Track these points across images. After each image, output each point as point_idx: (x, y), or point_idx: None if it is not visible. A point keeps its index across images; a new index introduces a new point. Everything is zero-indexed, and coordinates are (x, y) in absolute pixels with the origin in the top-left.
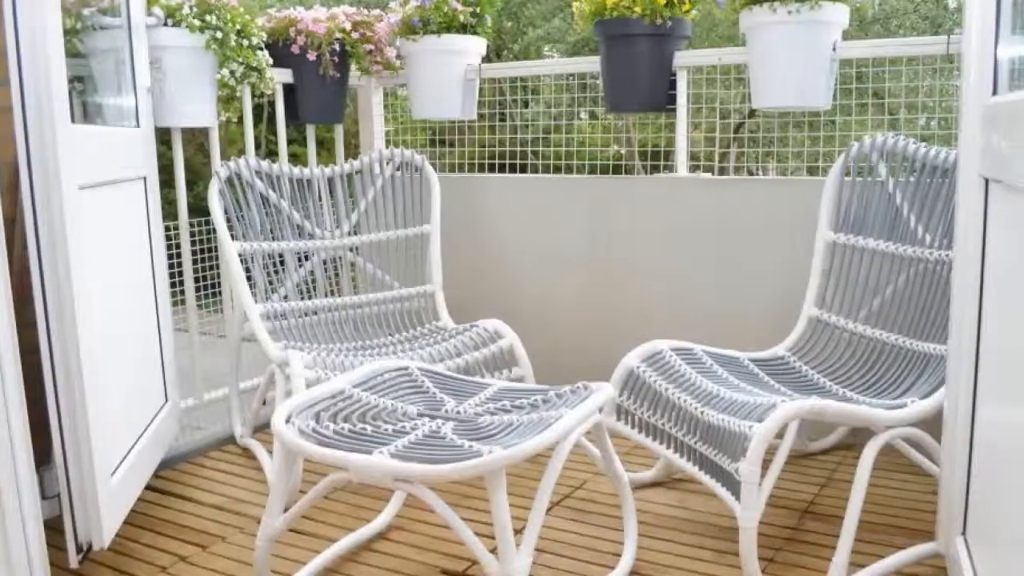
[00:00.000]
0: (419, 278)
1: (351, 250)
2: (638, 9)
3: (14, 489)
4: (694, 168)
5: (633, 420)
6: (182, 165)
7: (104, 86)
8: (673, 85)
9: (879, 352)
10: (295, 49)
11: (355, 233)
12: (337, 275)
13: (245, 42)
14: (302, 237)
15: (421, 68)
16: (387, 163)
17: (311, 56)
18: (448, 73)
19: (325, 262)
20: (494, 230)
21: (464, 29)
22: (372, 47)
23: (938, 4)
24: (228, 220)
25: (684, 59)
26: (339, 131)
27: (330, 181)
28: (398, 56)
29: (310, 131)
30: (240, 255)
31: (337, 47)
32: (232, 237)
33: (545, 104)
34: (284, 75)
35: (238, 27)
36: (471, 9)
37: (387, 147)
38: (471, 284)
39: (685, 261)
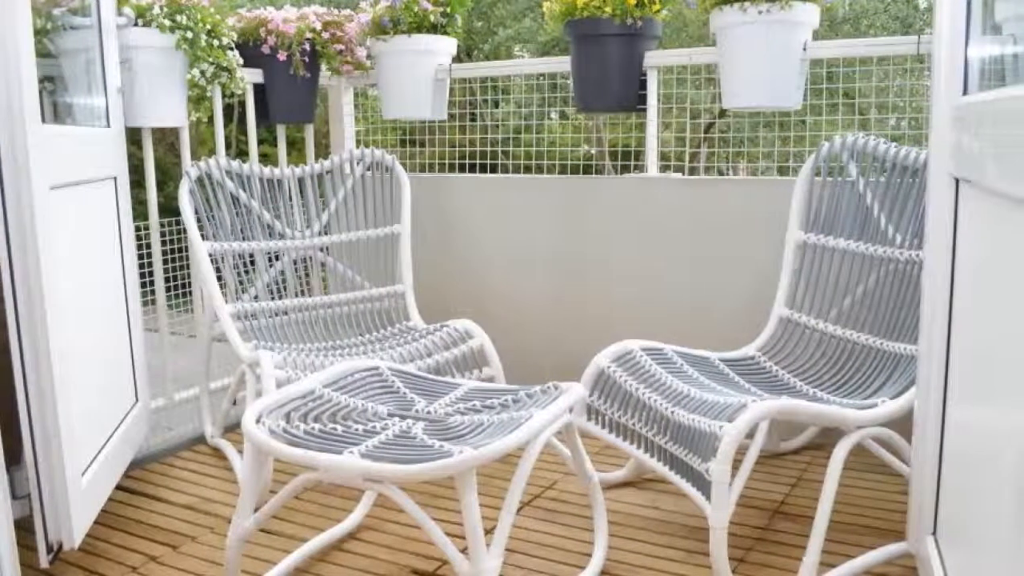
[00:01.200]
0: (389, 278)
1: (321, 250)
2: (608, 9)
3: None
4: (664, 168)
5: (603, 420)
6: (152, 165)
7: (75, 86)
8: (643, 85)
9: (849, 352)
10: (265, 49)
11: (325, 233)
12: (308, 275)
13: (215, 42)
14: (272, 237)
15: (391, 68)
16: (357, 163)
17: (281, 56)
18: (418, 73)
19: (296, 262)
20: (465, 230)
21: (434, 29)
22: (343, 47)
23: (908, 4)
24: (198, 220)
25: (654, 59)
26: (309, 131)
27: (300, 181)
28: (368, 56)
29: (280, 131)
30: (210, 255)
31: (307, 47)
32: (202, 237)
33: (515, 104)
34: (255, 75)
35: (208, 27)
36: (441, 9)
37: (357, 147)
38: (441, 284)
39: (656, 261)
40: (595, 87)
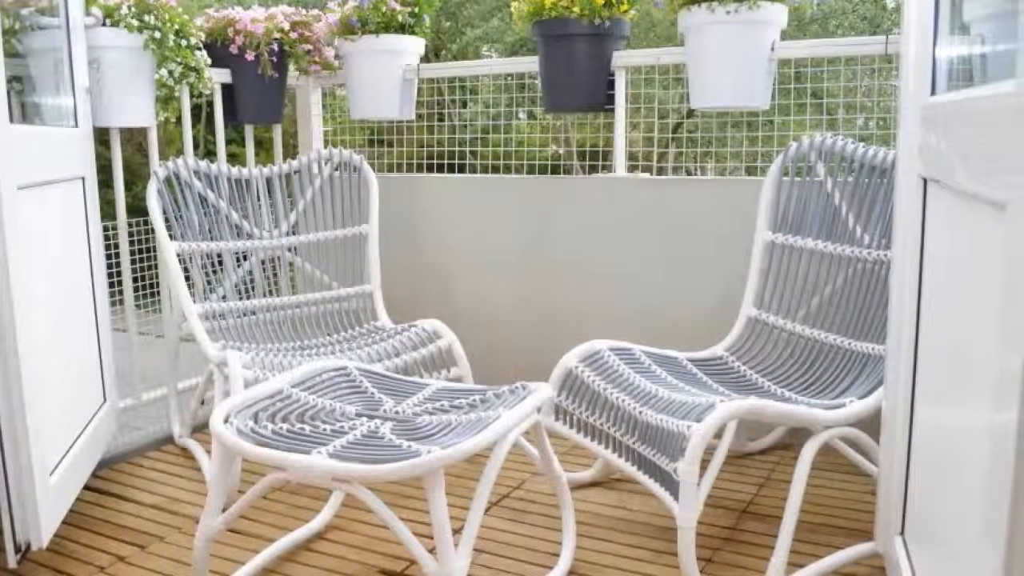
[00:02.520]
0: (358, 278)
1: (289, 250)
2: (576, 9)
3: None
4: (632, 168)
5: (571, 420)
6: (120, 165)
7: (42, 86)
8: (611, 85)
9: (817, 352)
10: (233, 49)
11: (293, 233)
12: (276, 275)
13: (183, 42)
14: (240, 237)
15: (360, 68)
16: (325, 163)
17: (249, 56)
18: (386, 73)
19: (264, 262)
20: (433, 230)
21: (402, 29)
22: (310, 47)
23: (876, 4)
24: (166, 220)
25: (622, 59)
26: (278, 131)
27: (268, 181)
28: (337, 56)
29: (248, 131)
30: (178, 255)
31: (276, 47)
32: (170, 237)
33: (483, 104)
34: (223, 75)
35: (176, 27)
36: (409, 9)
37: (326, 147)
38: (410, 284)
39: (624, 261)
40: (563, 87)
